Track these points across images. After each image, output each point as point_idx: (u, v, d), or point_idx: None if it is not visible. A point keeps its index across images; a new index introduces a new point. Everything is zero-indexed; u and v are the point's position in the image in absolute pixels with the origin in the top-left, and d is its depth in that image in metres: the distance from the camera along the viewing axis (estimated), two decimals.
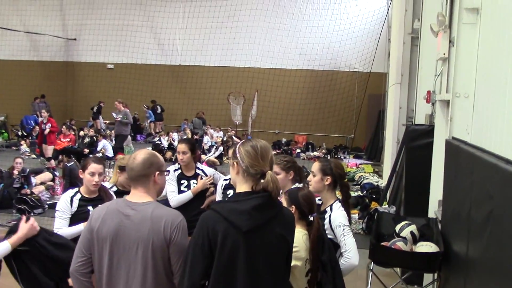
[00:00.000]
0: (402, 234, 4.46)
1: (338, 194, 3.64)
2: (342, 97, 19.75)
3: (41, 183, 10.42)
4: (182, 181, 4.94)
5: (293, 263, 2.88)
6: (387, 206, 8.72)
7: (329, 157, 18.27)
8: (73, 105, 22.93)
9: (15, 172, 9.62)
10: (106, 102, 19.78)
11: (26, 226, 3.27)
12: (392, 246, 4.12)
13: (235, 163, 2.53)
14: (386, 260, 4.15)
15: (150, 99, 21.26)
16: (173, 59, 21.72)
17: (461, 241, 3.48)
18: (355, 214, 9.43)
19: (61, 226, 3.80)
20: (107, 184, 4.31)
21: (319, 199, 3.58)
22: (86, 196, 3.91)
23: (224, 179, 4.66)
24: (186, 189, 4.91)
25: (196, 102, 20.32)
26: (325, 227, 3.35)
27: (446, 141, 4.43)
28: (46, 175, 10.93)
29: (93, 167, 3.85)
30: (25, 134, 17.93)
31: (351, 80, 19.98)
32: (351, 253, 3.27)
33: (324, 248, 3.07)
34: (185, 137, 17.49)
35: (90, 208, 3.81)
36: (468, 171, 3.30)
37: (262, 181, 2.43)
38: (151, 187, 2.73)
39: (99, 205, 2.85)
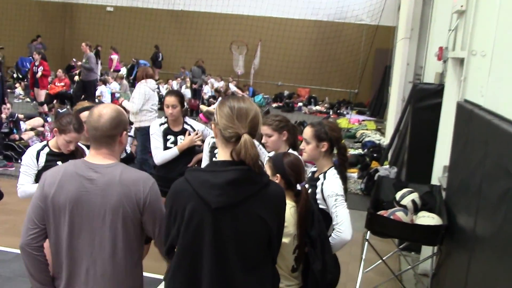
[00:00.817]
0: (403, 202, 4.14)
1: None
2: (347, 50, 19.09)
3: (31, 129, 10.07)
4: (169, 137, 4.54)
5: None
6: (388, 166, 8.41)
7: (331, 112, 17.97)
8: (71, 49, 22.30)
9: (3, 116, 9.26)
10: (104, 46, 19.18)
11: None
12: (391, 217, 3.79)
13: (213, 125, 2.20)
14: (384, 230, 3.83)
15: (148, 45, 20.60)
16: (175, 4, 20.94)
17: (468, 215, 3.16)
18: (354, 173, 9.14)
19: (25, 182, 3.46)
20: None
21: (314, 166, 3.23)
22: (55, 150, 3.55)
23: (212, 137, 4.26)
24: (172, 145, 4.52)
25: (197, 50, 19.72)
26: (317, 197, 3.00)
27: (458, 104, 4.04)
28: (36, 120, 10.57)
29: (71, 136, 3.47)
30: (20, 76, 17.45)
31: (357, 33, 19.29)
32: (342, 226, 2.88)
33: (314, 222, 2.72)
34: (184, 86, 17.06)
35: (59, 163, 3.42)
36: (481, 140, 2.94)
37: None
38: (116, 149, 2.41)
39: (52, 168, 2.47)
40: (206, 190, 2.06)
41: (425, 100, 5.47)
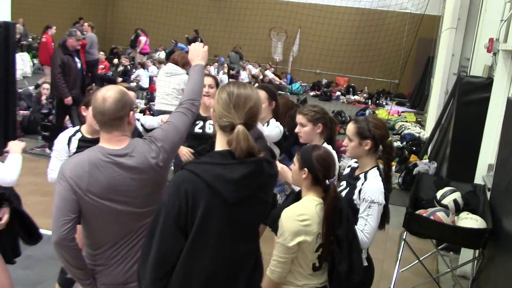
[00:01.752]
0: (444, 201, 3.94)
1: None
2: (389, 39, 18.57)
3: None
4: (198, 122, 4.41)
5: (302, 238, 2.51)
6: (427, 161, 8.16)
7: (370, 102, 17.60)
8: (113, 32, 22.57)
9: (43, 98, 9.38)
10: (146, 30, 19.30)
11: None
12: (432, 217, 3.60)
13: (211, 110, 2.10)
14: (424, 231, 3.64)
15: (188, 29, 20.58)
16: None
17: None
18: (392, 166, 8.88)
19: (55, 168, 3.37)
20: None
21: (356, 162, 3.05)
22: (88, 136, 3.44)
23: None
24: (200, 131, 4.40)
25: (235, 35, 19.58)
26: (354, 197, 2.83)
27: (508, 100, 3.79)
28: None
29: None
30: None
31: (400, 22, 18.71)
32: (366, 238, 2.75)
33: (342, 220, 2.57)
34: (221, 71, 17.01)
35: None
36: None
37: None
38: (126, 129, 2.39)
39: (69, 160, 2.39)
40: (222, 186, 1.93)
41: (471, 94, 5.19)
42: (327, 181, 2.63)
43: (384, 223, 2.92)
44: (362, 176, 2.88)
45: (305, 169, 2.63)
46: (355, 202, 2.83)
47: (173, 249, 1.93)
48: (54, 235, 2.26)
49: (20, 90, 10.05)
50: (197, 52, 2.74)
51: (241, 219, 2.03)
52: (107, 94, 2.31)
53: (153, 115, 10.04)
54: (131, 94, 3.12)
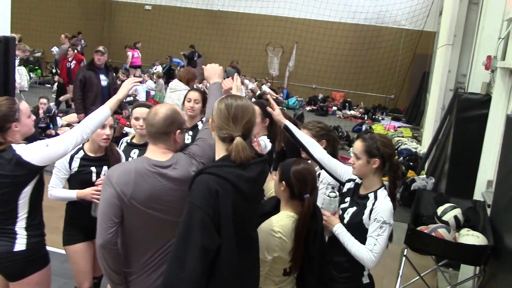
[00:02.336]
0: (444, 218, 3.95)
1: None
2: (385, 55, 18.76)
3: (67, 125, 10.17)
4: None
5: (277, 254, 2.57)
6: (424, 176, 8.18)
7: (366, 117, 17.67)
8: (109, 46, 22.59)
9: (40, 112, 9.38)
10: (142, 45, 19.37)
11: (126, 86, 2.99)
12: (433, 233, 3.61)
13: (210, 120, 2.27)
14: (425, 248, 3.65)
15: (185, 44, 20.68)
16: (213, 5, 20.98)
17: None
18: (397, 185, 8.88)
19: (55, 186, 3.39)
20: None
21: (360, 178, 3.01)
22: (91, 154, 3.43)
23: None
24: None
25: (233, 51, 19.70)
26: (364, 216, 2.81)
27: (508, 117, 3.82)
28: (72, 116, 10.64)
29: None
30: (59, 71, 17.71)
31: (395, 38, 18.92)
32: (375, 258, 2.76)
33: (316, 240, 2.64)
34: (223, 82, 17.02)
35: (93, 169, 3.39)
36: None
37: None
38: (171, 144, 2.52)
39: (116, 167, 2.48)
40: (244, 184, 2.15)
41: (469, 111, 5.24)
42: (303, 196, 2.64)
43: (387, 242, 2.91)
44: (371, 195, 2.85)
45: (283, 182, 2.66)
46: (364, 221, 2.81)
47: (213, 246, 2.08)
48: (100, 238, 2.37)
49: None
50: (214, 70, 2.90)
51: (253, 212, 2.32)
52: (160, 109, 2.49)
53: None
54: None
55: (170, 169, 2.44)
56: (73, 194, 3.34)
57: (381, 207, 2.78)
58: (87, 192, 3.30)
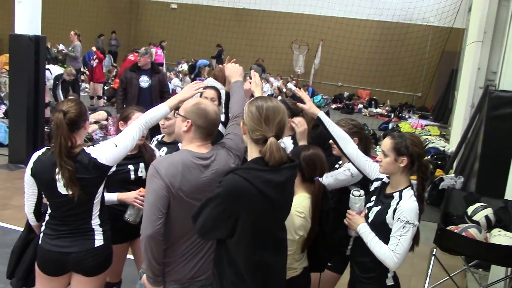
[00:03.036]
0: (475, 218, 3.88)
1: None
2: (412, 53, 18.50)
3: (95, 122, 10.33)
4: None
5: (302, 232, 2.75)
6: (453, 175, 8.05)
7: (392, 115, 17.49)
8: (136, 44, 22.83)
9: None
10: (168, 43, 19.53)
11: (190, 91, 2.94)
12: (463, 233, 3.55)
13: (241, 123, 2.29)
14: (455, 248, 3.58)
15: (211, 42, 20.78)
16: (239, 2, 21.02)
17: None
18: (426, 187, 8.76)
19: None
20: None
21: (387, 177, 2.97)
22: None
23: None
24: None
25: (258, 49, 19.71)
26: (388, 216, 2.77)
27: None
28: (100, 114, 10.82)
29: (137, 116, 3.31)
30: (87, 70, 17.99)
31: (423, 35, 18.66)
32: (397, 259, 2.70)
33: (329, 219, 2.86)
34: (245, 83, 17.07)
35: (130, 167, 3.38)
36: None
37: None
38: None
39: (162, 160, 2.52)
40: (270, 190, 2.14)
41: (501, 108, 5.13)
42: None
43: (413, 245, 2.85)
44: (396, 195, 2.80)
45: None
46: (387, 221, 2.77)
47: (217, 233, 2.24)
48: (149, 229, 2.41)
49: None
50: (236, 70, 3.00)
51: (282, 215, 2.33)
52: (214, 107, 2.60)
53: None
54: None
55: (212, 161, 2.53)
56: (114, 197, 3.29)
57: (405, 206, 2.72)
58: (130, 195, 3.26)
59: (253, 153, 2.26)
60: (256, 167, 2.17)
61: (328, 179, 3.22)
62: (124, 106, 7.49)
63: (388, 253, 2.71)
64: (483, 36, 8.83)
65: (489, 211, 3.90)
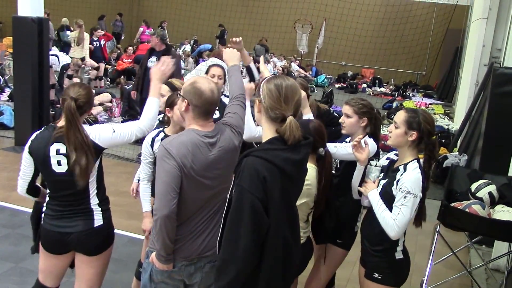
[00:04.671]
0: (479, 194, 3.90)
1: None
2: (416, 31, 18.31)
3: (100, 104, 10.35)
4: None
5: (304, 200, 2.87)
6: (457, 153, 8.07)
7: (396, 94, 17.43)
8: (138, 26, 22.75)
9: None
10: (171, 24, 19.44)
11: (155, 76, 3.03)
12: (467, 209, 3.58)
13: (257, 101, 2.26)
14: (459, 224, 3.61)
15: (214, 22, 20.65)
16: None
17: None
18: (421, 159, 8.78)
19: (148, 179, 3.44)
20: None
21: (396, 154, 3.04)
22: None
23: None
24: None
25: (262, 28, 19.56)
26: (393, 187, 2.83)
27: None
28: (105, 96, 10.83)
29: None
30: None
31: (427, 12, 18.46)
32: (398, 228, 2.76)
33: (331, 186, 3.04)
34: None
35: None
36: None
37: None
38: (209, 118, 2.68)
39: (170, 141, 2.55)
40: (290, 167, 2.16)
41: (505, 85, 5.12)
42: (321, 149, 3.01)
43: (420, 220, 2.92)
44: (401, 167, 2.86)
45: None
46: (393, 193, 2.82)
47: (263, 227, 2.12)
48: (165, 209, 2.44)
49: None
50: (233, 54, 3.07)
51: (299, 191, 2.39)
52: (211, 85, 2.60)
53: None
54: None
55: (217, 139, 2.59)
56: (147, 208, 3.43)
57: (407, 177, 2.78)
58: None
59: (268, 131, 2.24)
60: (273, 146, 2.17)
61: (335, 149, 3.25)
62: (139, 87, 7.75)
63: (391, 222, 2.77)
64: (488, 13, 8.77)
65: (492, 188, 3.92)
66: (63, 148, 2.80)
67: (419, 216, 2.90)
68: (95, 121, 9.18)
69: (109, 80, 14.42)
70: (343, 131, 3.38)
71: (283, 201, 2.17)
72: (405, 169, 2.84)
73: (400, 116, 2.89)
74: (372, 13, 18.69)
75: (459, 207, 3.66)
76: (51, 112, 8.81)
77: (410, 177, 2.77)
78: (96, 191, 2.95)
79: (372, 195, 2.92)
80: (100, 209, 2.96)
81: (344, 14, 18.11)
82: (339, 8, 18.14)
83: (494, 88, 5.32)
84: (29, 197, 3.09)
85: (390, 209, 2.82)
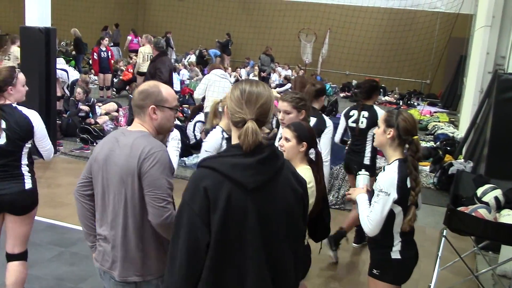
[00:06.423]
0: (484, 199, 3.90)
1: None
2: (420, 39, 18.39)
3: (106, 113, 10.42)
4: None
5: (311, 201, 2.92)
6: (462, 160, 8.08)
7: (401, 103, 17.44)
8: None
9: (80, 103, 9.64)
10: (176, 33, 19.58)
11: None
12: (473, 213, 3.59)
13: (225, 107, 2.11)
14: (465, 228, 3.62)
15: (219, 31, 20.76)
16: None
17: None
18: (426, 167, 8.82)
19: None
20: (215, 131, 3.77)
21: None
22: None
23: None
24: None
25: (266, 37, 19.67)
26: (374, 186, 3.01)
27: None
28: (111, 105, 10.93)
29: None
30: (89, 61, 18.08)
31: (430, 21, 18.51)
32: (371, 224, 2.91)
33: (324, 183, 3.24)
34: (251, 74, 17.10)
35: None
36: None
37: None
38: (147, 120, 2.57)
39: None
40: (239, 173, 1.90)
41: (510, 92, 5.13)
42: (312, 150, 3.12)
43: (408, 222, 2.93)
44: (384, 168, 3.02)
45: (304, 143, 3.03)
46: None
47: (201, 242, 1.89)
48: (159, 218, 2.44)
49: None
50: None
51: (270, 210, 1.97)
52: (143, 84, 2.66)
53: (186, 117, 10.27)
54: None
55: (123, 137, 2.54)
56: None
57: (382, 176, 2.94)
58: None
59: (234, 138, 2.06)
60: (225, 154, 2.01)
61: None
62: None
63: (365, 219, 2.94)
64: (492, 20, 8.81)
65: (498, 192, 3.92)
66: (3, 124, 3.36)
67: (405, 218, 2.93)
68: (101, 130, 9.25)
69: (114, 90, 14.51)
70: (283, 127, 3.48)
71: (232, 214, 1.89)
72: (384, 169, 2.98)
73: (381, 117, 3.09)
74: (375, 22, 18.77)
75: (465, 212, 3.67)
76: (58, 122, 8.89)
77: (384, 176, 2.92)
78: (27, 162, 3.50)
79: (359, 197, 3.10)
80: (29, 174, 3.52)
81: (348, 23, 18.22)
82: (342, 17, 18.25)
83: (498, 95, 5.33)
84: None
85: None
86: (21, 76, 3.61)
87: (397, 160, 2.94)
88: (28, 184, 3.48)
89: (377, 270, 3.03)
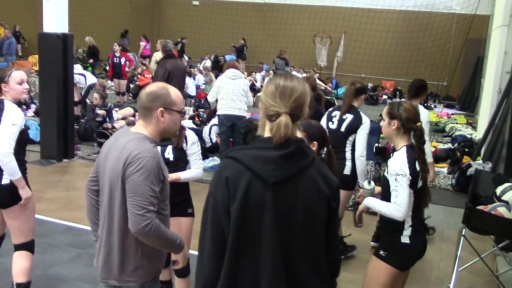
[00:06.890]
0: (504, 197, 3.85)
1: None
2: (435, 42, 18.24)
3: (123, 118, 10.51)
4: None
5: None
6: (481, 161, 7.98)
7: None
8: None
9: (97, 107, 9.74)
10: (191, 39, 19.70)
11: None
12: (492, 212, 3.55)
13: (260, 102, 2.09)
14: (484, 227, 3.59)
15: (233, 35, 20.79)
16: None
17: None
18: (444, 168, 8.73)
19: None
20: None
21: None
22: None
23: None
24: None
25: (280, 43, 19.68)
26: (386, 173, 3.12)
27: None
28: (127, 110, 11.02)
29: None
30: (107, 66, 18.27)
31: (446, 23, 18.34)
32: (402, 208, 2.96)
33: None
34: (267, 78, 17.11)
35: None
36: None
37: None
38: (153, 123, 2.50)
39: None
40: (260, 166, 1.90)
41: None
42: (324, 149, 3.19)
43: (426, 201, 3.16)
44: (392, 154, 3.15)
45: (315, 142, 3.12)
46: (388, 178, 3.08)
47: (223, 230, 1.92)
48: (140, 225, 2.40)
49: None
50: None
51: (290, 207, 1.95)
52: (150, 85, 2.61)
53: (202, 121, 10.32)
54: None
55: (121, 137, 2.50)
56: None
57: (392, 161, 3.07)
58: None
59: (266, 131, 2.03)
60: (250, 146, 2.00)
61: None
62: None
63: (392, 206, 2.99)
64: (509, 20, 8.72)
65: None
66: None
67: (420, 198, 3.11)
68: None
69: (131, 95, 14.64)
70: None
71: (250, 204, 1.90)
72: (393, 155, 3.12)
73: (384, 110, 3.24)
74: (390, 25, 18.64)
75: (484, 210, 3.63)
76: (75, 127, 8.99)
77: (395, 161, 3.04)
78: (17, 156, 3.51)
79: (368, 202, 3.20)
80: None
81: (362, 27, 18.12)
82: (357, 21, 18.16)
83: None
84: None
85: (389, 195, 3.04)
86: (15, 74, 3.62)
87: (405, 146, 3.10)
88: (5, 180, 3.50)
89: (384, 252, 3.10)
